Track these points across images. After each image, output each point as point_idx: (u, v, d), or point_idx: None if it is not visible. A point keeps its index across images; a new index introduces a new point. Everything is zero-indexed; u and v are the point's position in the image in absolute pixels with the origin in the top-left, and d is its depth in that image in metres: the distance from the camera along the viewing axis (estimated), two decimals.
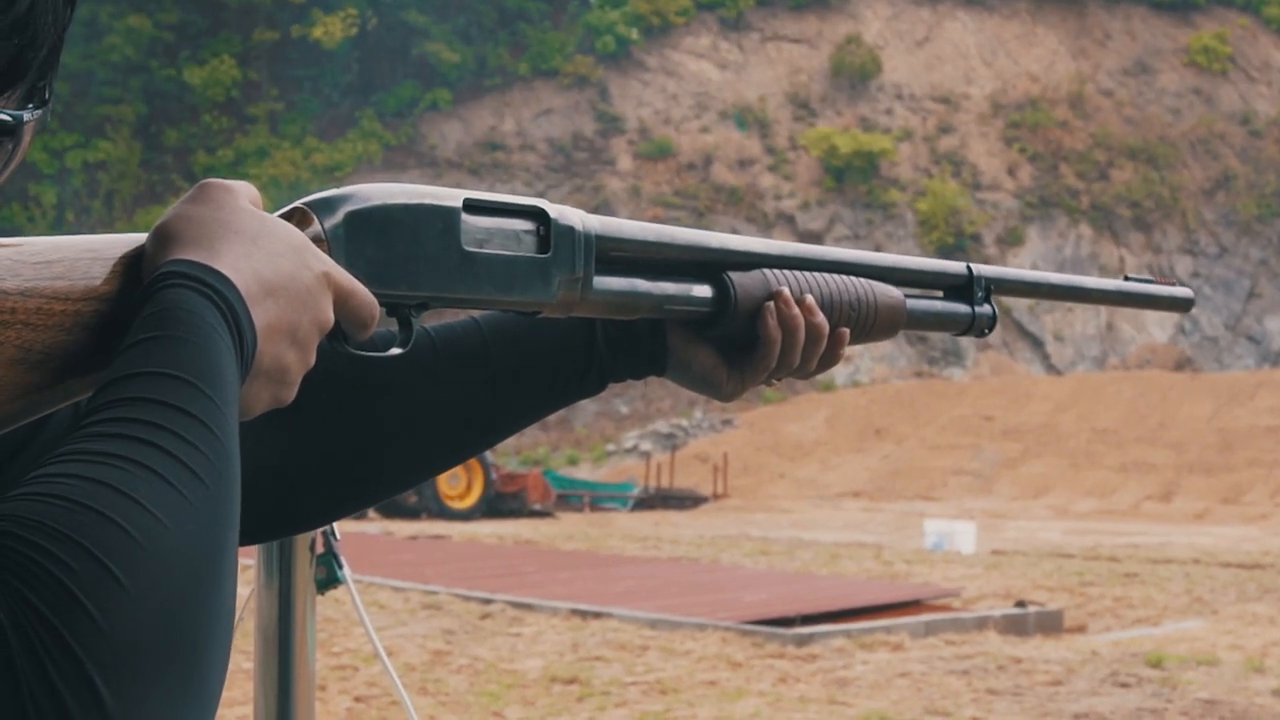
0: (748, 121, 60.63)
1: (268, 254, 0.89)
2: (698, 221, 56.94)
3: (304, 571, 1.91)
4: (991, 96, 63.67)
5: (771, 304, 1.22)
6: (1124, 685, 8.42)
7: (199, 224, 0.88)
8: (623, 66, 61.10)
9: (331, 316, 0.94)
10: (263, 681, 1.92)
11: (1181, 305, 1.56)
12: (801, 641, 9.73)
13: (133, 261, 0.89)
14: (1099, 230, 60.50)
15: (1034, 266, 58.06)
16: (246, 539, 1.19)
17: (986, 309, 1.40)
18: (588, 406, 50.50)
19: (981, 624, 10.76)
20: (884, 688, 8.34)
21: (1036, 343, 56.70)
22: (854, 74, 62.04)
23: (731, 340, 1.24)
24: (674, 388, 50.94)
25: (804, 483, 37.67)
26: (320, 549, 1.92)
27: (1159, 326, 58.34)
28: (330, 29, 58.68)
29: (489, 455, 27.42)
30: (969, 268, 1.39)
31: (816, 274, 1.27)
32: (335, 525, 1.92)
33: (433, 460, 1.22)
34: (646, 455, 40.13)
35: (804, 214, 57.95)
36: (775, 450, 41.10)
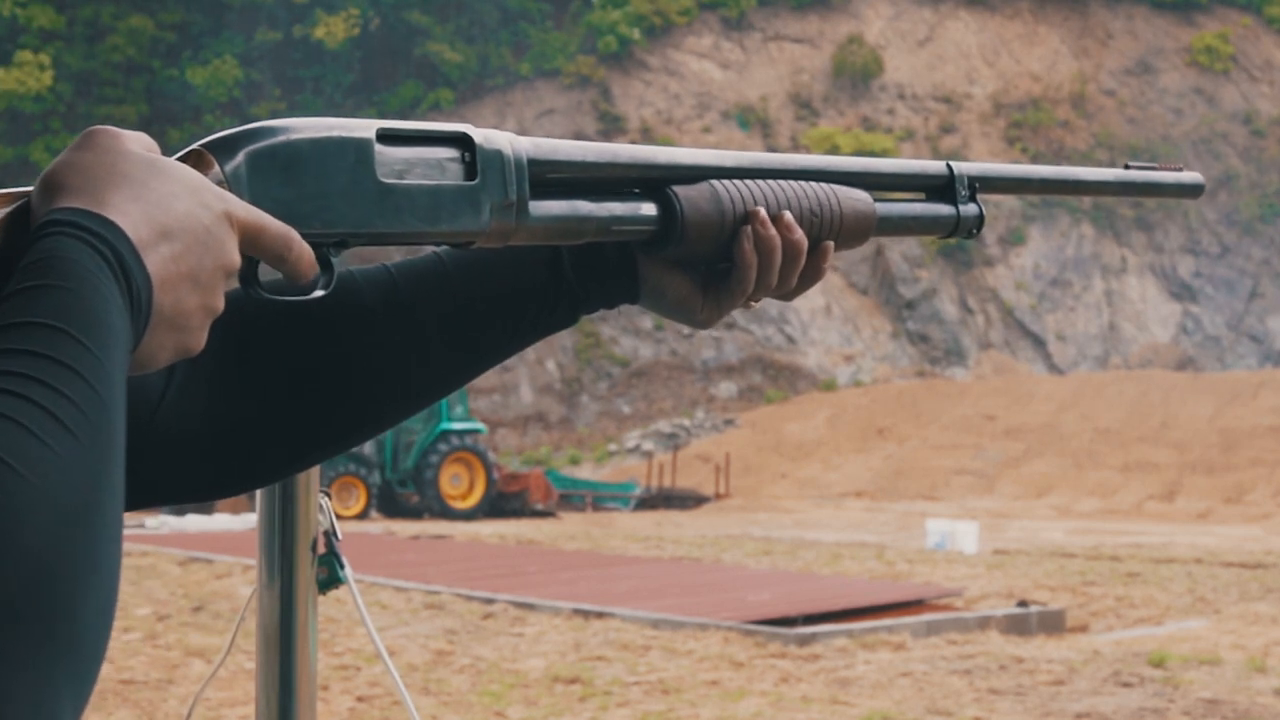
0: (750, 121, 60.63)
1: (160, 196, 0.85)
2: None
3: (305, 571, 1.91)
4: (993, 96, 63.67)
5: (748, 227, 1.15)
6: (1126, 685, 8.42)
7: (83, 171, 0.84)
8: (625, 66, 61.11)
9: (237, 258, 0.90)
10: (264, 681, 1.92)
11: (1190, 191, 1.45)
12: (804, 641, 9.73)
13: (19, 215, 0.86)
14: (1101, 230, 60.48)
15: (1036, 267, 58.14)
16: (214, 492, 1.16)
17: (972, 208, 1.31)
18: (590, 406, 50.50)
19: (984, 624, 10.76)
20: (886, 687, 8.34)
21: (1038, 342, 56.69)
22: (856, 74, 62.04)
23: (702, 262, 1.18)
24: (676, 387, 50.94)
25: (806, 482, 37.67)
26: (322, 549, 1.92)
27: (1161, 326, 58.33)
28: (332, 29, 58.69)
29: (491, 455, 27.44)
30: (949, 165, 1.31)
31: (770, 182, 1.19)
32: (337, 525, 1.92)
33: (400, 401, 1.17)
34: (648, 455, 40.15)
35: None
36: (777, 450, 41.10)
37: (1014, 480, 36.10)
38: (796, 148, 59.96)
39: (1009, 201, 60.42)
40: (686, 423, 45.36)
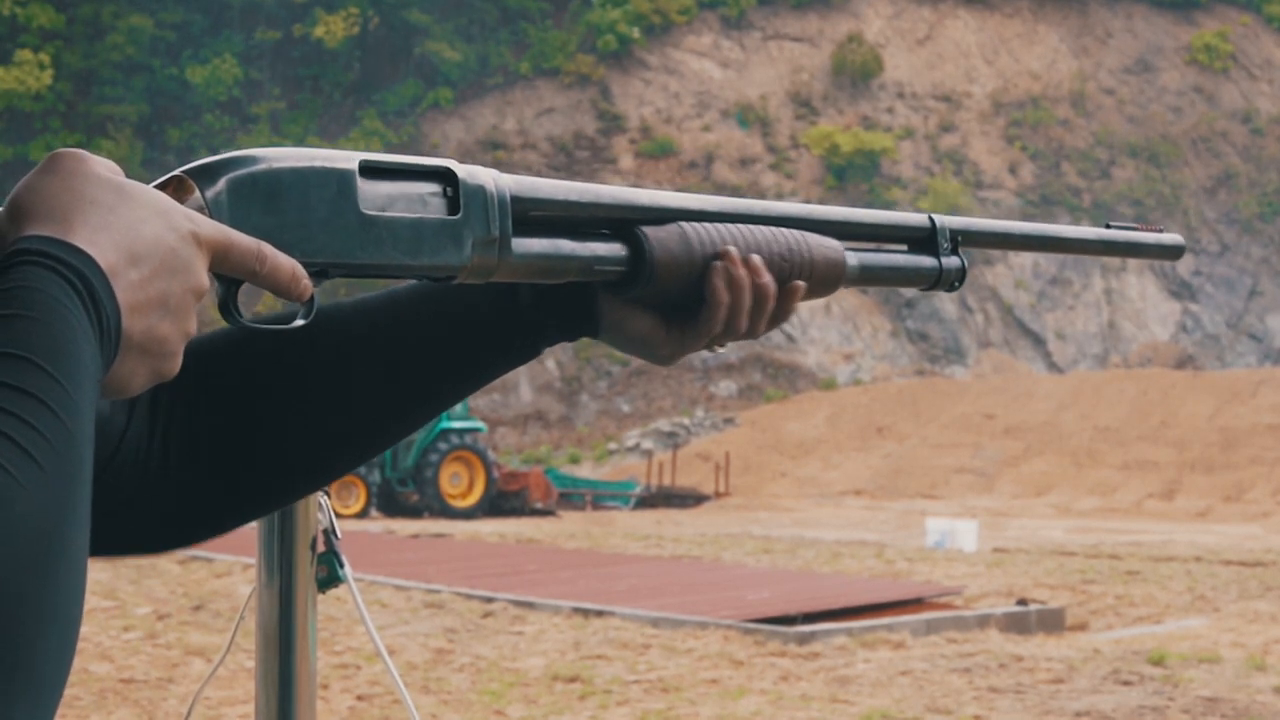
0: (749, 120, 60.63)
1: (127, 222, 0.84)
2: None
3: (305, 570, 1.91)
4: (993, 95, 63.65)
5: (719, 263, 1.15)
6: (1126, 683, 8.42)
7: (51, 196, 0.84)
8: (624, 65, 61.09)
9: (205, 279, 0.89)
10: (264, 680, 1.92)
11: (1170, 253, 1.46)
12: (803, 640, 9.72)
13: None
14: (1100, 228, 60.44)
15: (1035, 265, 58.12)
16: (182, 537, 1.13)
17: (954, 261, 1.33)
18: (589, 405, 50.51)
19: (983, 622, 10.76)
20: (886, 686, 8.34)
21: (1038, 341, 56.69)
22: (855, 72, 62.04)
23: (671, 301, 1.17)
24: (676, 385, 50.94)
25: (806, 481, 37.68)
26: (321, 547, 1.92)
27: (1160, 324, 58.32)
28: (332, 28, 58.69)
29: (491, 454, 27.43)
30: (931, 218, 1.32)
31: (741, 226, 1.19)
32: (336, 524, 1.92)
33: (358, 443, 1.15)
34: (648, 454, 40.14)
35: None
36: (777, 448, 41.10)
37: (1013, 479, 36.10)
38: (796, 146, 59.99)
39: (1008, 199, 60.45)
40: (686, 421, 45.36)
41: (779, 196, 58.20)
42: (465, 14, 61.66)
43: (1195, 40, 65.31)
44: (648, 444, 43.01)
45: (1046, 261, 58.36)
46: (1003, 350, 55.79)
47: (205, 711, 7.41)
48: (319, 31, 58.86)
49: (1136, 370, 47.93)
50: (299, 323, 1.01)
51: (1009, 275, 57.53)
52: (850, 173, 58.85)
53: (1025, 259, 58.37)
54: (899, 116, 62.21)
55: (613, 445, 45.23)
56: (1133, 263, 59.43)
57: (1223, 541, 20.69)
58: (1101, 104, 64.30)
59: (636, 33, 60.96)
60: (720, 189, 58.19)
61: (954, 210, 58.71)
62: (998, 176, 61.18)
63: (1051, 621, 11.18)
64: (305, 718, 1.91)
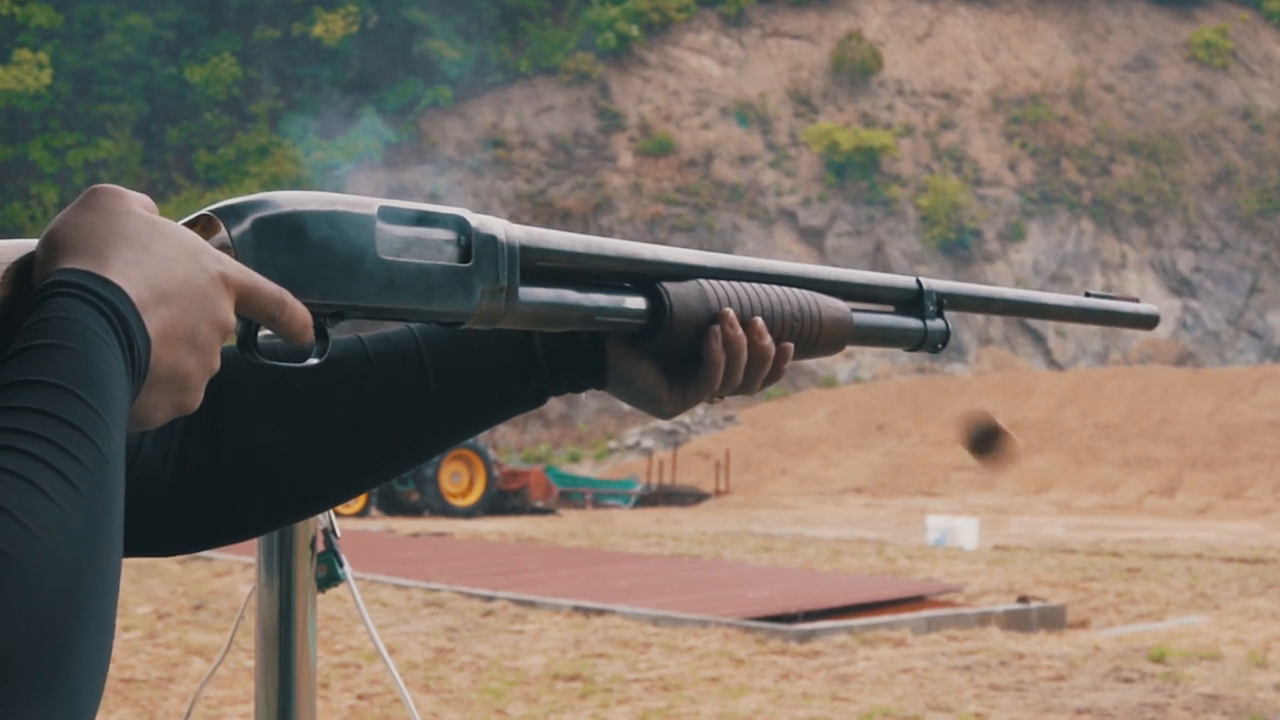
0: (749, 118, 60.61)
1: (160, 259, 0.88)
2: (699, 218, 56.91)
3: (305, 569, 1.91)
4: (992, 92, 63.63)
5: (716, 326, 1.19)
6: (1127, 680, 8.42)
7: (87, 231, 0.86)
8: (624, 63, 61.07)
9: (232, 318, 0.93)
10: (264, 679, 1.92)
11: (1145, 322, 1.52)
12: (804, 638, 9.72)
13: (23, 269, 0.87)
14: (1100, 225, 60.45)
15: (1035, 262, 58.12)
16: (185, 547, 1.18)
17: (939, 324, 1.36)
18: (589, 403, 50.49)
19: (984, 620, 10.76)
20: (886, 684, 8.34)
21: (1038, 338, 56.69)
22: (855, 70, 62.02)
23: (675, 356, 1.21)
24: None
25: (806, 479, 37.68)
26: (321, 547, 1.92)
27: (1161, 322, 58.34)
28: (331, 26, 58.67)
29: (491, 453, 27.44)
30: (919, 281, 1.35)
31: (757, 285, 1.23)
32: (336, 523, 1.92)
33: (368, 471, 1.20)
34: (648, 452, 40.15)
35: (805, 210, 57.95)
36: (777, 446, 41.10)
37: (1014, 476, 36.10)
38: (795, 144, 59.96)
39: (1008, 197, 60.44)
40: (686, 419, 45.35)
41: (778, 194, 58.19)
42: (464, 12, 61.63)
43: (1195, 37, 65.30)
44: (648, 442, 43.02)
45: (1046, 259, 58.38)
46: (1003, 347, 55.78)
47: (205, 711, 7.40)
48: (318, 30, 58.84)
49: (1137, 367, 47.92)
50: (312, 361, 1.05)
51: (1009, 272, 57.52)
52: (850, 170, 58.85)
53: (1025, 255, 58.39)
54: (898, 114, 62.19)
55: (613, 443, 45.23)
56: (1133, 258, 59.49)
57: (1223, 538, 20.70)
58: (1101, 101, 64.28)
59: (635, 30, 60.94)
60: (720, 187, 58.19)
61: (954, 208, 58.74)
62: (997, 174, 61.18)
63: (1052, 619, 11.18)
64: (305, 717, 1.91)
